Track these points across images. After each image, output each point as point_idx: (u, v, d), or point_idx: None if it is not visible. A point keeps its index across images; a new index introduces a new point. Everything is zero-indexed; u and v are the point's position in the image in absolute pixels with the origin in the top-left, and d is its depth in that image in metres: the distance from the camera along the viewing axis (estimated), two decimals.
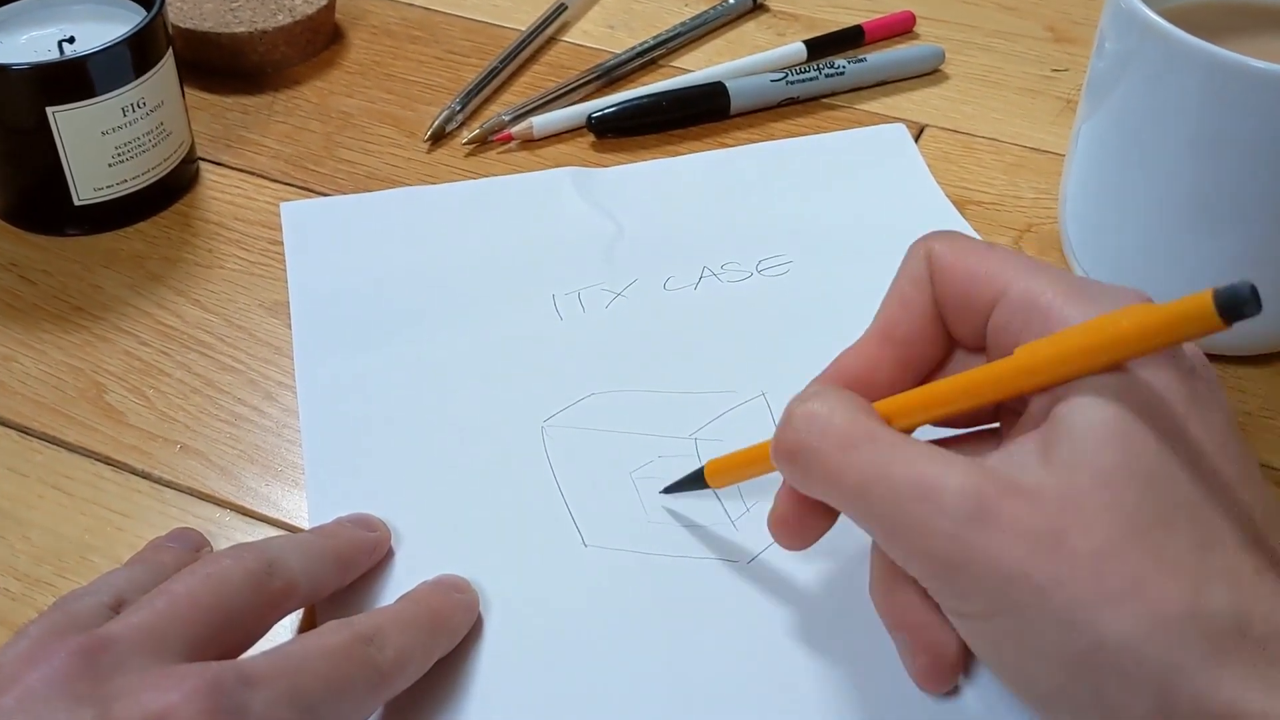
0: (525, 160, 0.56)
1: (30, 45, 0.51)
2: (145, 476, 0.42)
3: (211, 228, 0.52)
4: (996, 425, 0.35)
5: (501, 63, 0.61)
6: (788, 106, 0.59)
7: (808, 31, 0.64)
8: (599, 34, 0.65)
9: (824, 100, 0.59)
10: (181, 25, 0.59)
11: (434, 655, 0.34)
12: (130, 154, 0.50)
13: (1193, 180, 0.41)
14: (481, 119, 0.57)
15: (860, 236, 0.50)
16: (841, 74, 0.59)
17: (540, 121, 0.57)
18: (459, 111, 0.57)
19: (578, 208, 0.52)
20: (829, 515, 0.33)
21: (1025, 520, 0.27)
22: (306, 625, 0.37)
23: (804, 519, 0.33)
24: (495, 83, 0.60)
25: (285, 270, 0.49)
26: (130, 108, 0.49)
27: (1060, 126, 0.58)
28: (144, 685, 0.28)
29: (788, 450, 0.31)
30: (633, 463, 0.41)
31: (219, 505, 0.41)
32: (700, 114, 0.58)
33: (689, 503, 0.40)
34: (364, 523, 0.38)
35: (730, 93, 0.58)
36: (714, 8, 0.65)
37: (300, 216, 0.52)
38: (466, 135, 0.57)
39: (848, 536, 0.33)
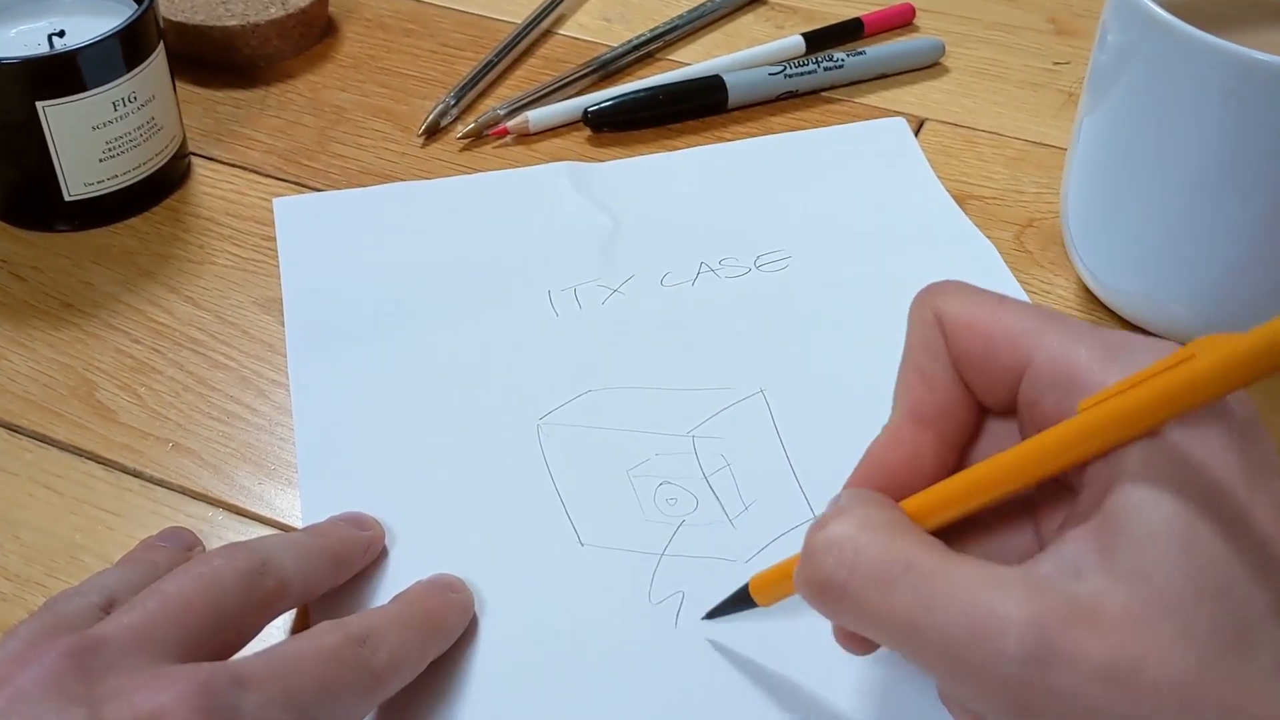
0: (521, 155, 0.55)
1: (20, 39, 0.50)
2: (137, 475, 0.41)
3: (203, 223, 0.52)
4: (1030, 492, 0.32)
5: (496, 56, 0.60)
6: (786, 100, 0.59)
7: (806, 24, 0.64)
8: (595, 27, 0.64)
9: (823, 94, 0.59)
10: (173, 18, 0.58)
11: (429, 656, 0.34)
12: (121, 149, 0.50)
13: (1196, 174, 0.41)
14: (476, 113, 0.57)
15: (860, 232, 0.50)
16: (840, 67, 0.59)
17: (536, 116, 0.56)
18: (453, 106, 0.57)
19: (574, 203, 0.52)
20: None
21: (1095, 654, 0.25)
22: (300, 626, 0.37)
23: (862, 639, 0.30)
24: (490, 76, 0.59)
25: (278, 266, 0.49)
26: (121, 102, 0.49)
27: (1062, 120, 0.57)
28: (135, 686, 0.28)
29: (817, 587, 0.28)
30: (629, 460, 0.41)
31: (211, 504, 0.41)
32: (698, 108, 0.57)
33: (689, 503, 0.39)
34: (358, 522, 0.38)
35: (728, 86, 0.57)
36: (711, 0, 0.65)
37: (293, 212, 0.51)
38: (461, 130, 0.56)
39: None
